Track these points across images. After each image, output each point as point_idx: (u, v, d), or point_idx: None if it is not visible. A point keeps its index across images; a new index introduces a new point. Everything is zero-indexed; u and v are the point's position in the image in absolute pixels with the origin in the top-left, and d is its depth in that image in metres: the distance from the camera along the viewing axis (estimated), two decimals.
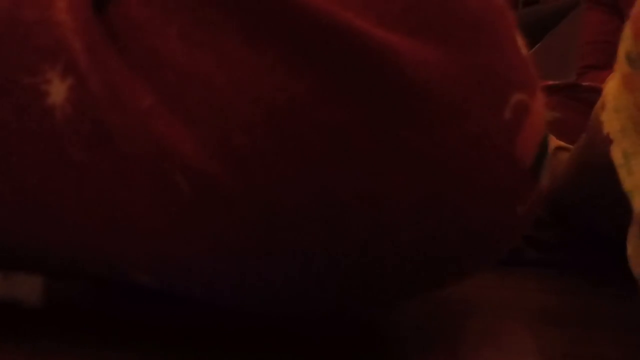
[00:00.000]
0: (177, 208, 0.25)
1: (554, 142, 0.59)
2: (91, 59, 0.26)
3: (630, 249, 0.30)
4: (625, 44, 0.27)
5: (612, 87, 0.29)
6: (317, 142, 0.24)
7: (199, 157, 0.25)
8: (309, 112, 0.24)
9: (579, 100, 0.71)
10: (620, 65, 0.27)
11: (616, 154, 0.29)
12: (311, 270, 0.26)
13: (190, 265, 0.27)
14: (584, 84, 0.78)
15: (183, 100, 0.25)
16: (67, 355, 0.29)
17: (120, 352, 0.30)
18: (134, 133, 0.25)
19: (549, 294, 0.50)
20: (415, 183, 0.25)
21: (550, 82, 0.74)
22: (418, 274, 0.28)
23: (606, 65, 0.95)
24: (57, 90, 0.27)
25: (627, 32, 0.26)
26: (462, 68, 0.25)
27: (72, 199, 0.27)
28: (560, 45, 1.13)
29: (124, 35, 0.26)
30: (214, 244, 0.26)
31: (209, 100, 0.25)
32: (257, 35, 0.24)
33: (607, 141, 0.30)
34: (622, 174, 0.29)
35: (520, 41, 0.28)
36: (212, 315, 0.35)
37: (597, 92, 0.31)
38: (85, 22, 0.27)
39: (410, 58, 0.24)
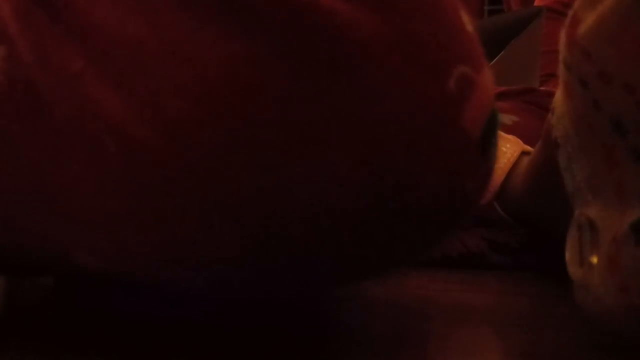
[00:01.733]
0: (106, 174, 0.25)
1: (521, 146, 0.59)
2: (21, 25, 0.26)
3: (568, 251, 0.31)
4: (561, 51, 0.27)
5: (558, 92, 0.30)
6: (251, 105, 0.24)
7: (128, 121, 0.24)
8: (243, 73, 0.24)
9: (537, 104, 0.71)
10: (561, 71, 0.28)
11: (561, 158, 0.30)
12: (249, 247, 0.26)
13: (126, 240, 0.27)
14: (541, 88, 0.79)
15: (113, 63, 0.24)
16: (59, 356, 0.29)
17: (114, 352, 0.30)
18: (64, 97, 0.25)
19: (512, 296, 0.50)
20: (353, 150, 0.25)
21: (507, 87, 0.75)
22: (363, 253, 0.27)
23: None
24: None
25: (562, 39, 0.27)
26: (401, 35, 0.25)
27: (8, 174, 0.27)
28: (524, 53, 1.15)
29: (55, 1, 0.26)
30: (146, 215, 0.25)
31: (139, 63, 0.24)
32: None
33: (556, 145, 0.31)
34: (566, 177, 0.30)
35: (466, 19, 0.28)
36: (207, 316, 0.35)
37: (553, 96, 0.32)
38: None
39: (347, 20, 0.24)
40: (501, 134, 0.61)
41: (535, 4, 1.33)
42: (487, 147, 0.28)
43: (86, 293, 0.41)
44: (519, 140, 0.60)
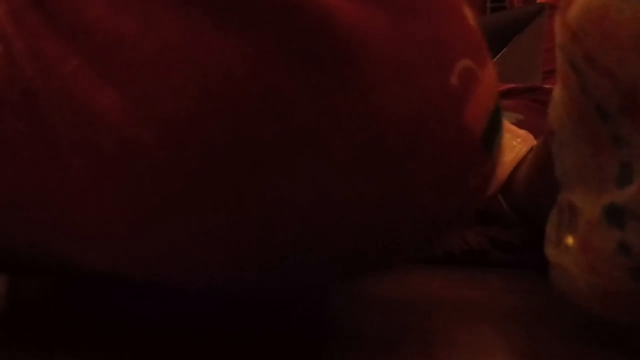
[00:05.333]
0: (104, 176, 0.25)
1: (532, 141, 0.59)
2: (15, 25, 0.25)
3: (547, 232, 0.31)
4: (556, 35, 0.27)
5: (557, 82, 0.30)
6: (250, 106, 0.23)
7: (126, 123, 0.24)
8: (241, 72, 0.23)
9: (542, 102, 0.71)
10: (557, 56, 0.28)
11: (554, 145, 0.30)
12: (248, 247, 0.25)
13: (125, 242, 0.26)
14: (545, 86, 0.79)
15: (108, 63, 0.24)
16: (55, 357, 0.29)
17: (114, 351, 0.30)
18: (58, 97, 0.25)
19: (513, 293, 0.50)
20: (354, 150, 0.24)
21: (511, 85, 0.75)
22: (365, 250, 0.27)
23: None
24: None
25: (557, 22, 0.27)
26: (401, 31, 0.25)
27: (7, 176, 0.27)
28: (526, 50, 1.15)
29: (50, 1, 0.25)
30: (145, 216, 0.25)
31: (135, 62, 0.24)
32: None
33: (551, 133, 0.31)
34: (557, 163, 0.30)
35: (468, 12, 0.28)
36: (206, 317, 0.35)
37: None
38: None
39: (346, 19, 0.24)
40: (512, 128, 0.61)
41: (538, 0, 1.33)
42: (490, 143, 0.27)
43: (87, 293, 0.41)
44: (531, 135, 0.60)
